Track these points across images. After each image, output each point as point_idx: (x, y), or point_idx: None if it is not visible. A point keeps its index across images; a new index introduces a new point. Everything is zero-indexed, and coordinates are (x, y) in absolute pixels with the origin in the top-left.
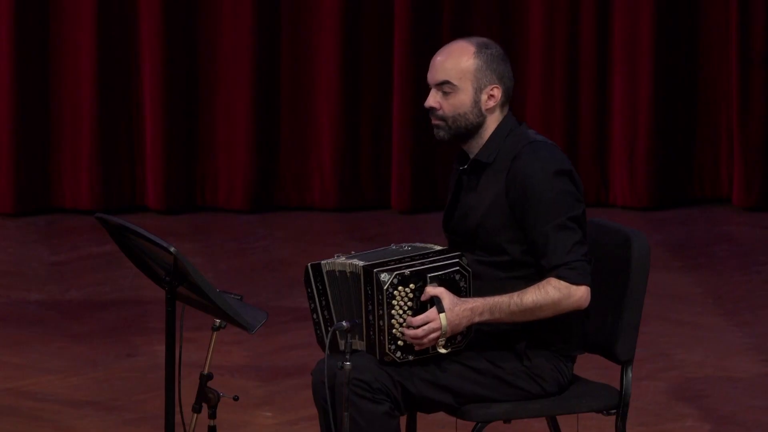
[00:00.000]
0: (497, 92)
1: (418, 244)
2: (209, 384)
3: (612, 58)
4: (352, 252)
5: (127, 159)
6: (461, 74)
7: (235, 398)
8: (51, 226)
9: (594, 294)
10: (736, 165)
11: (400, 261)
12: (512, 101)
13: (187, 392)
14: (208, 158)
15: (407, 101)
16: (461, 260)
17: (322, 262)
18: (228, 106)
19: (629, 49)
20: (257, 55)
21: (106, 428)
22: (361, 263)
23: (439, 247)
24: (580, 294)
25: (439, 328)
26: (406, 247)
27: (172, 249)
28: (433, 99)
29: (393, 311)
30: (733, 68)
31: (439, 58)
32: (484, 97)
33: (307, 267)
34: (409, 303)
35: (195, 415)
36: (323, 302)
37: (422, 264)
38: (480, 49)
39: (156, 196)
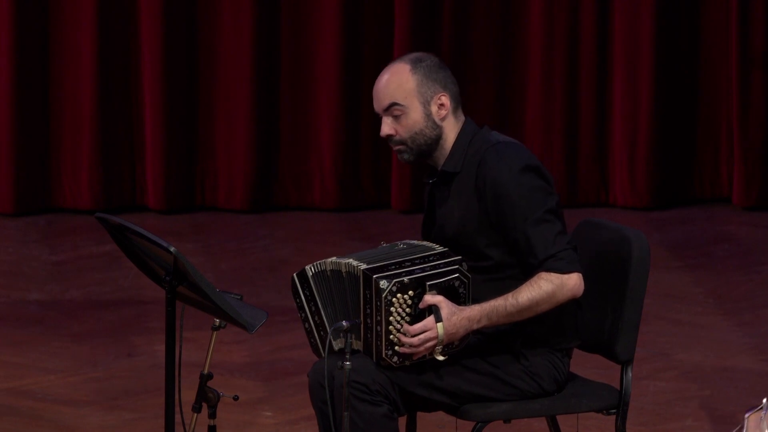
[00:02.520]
0: (445, 99)
1: (413, 242)
2: (209, 384)
3: (612, 58)
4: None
5: (127, 159)
6: (405, 93)
7: (235, 398)
8: (51, 226)
9: (594, 294)
10: (736, 165)
11: (400, 265)
12: (464, 103)
13: (187, 392)
14: (208, 158)
15: None
16: (461, 266)
17: (307, 266)
18: (228, 106)
19: (629, 49)
20: (257, 55)
21: (106, 428)
22: (362, 266)
23: (439, 248)
24: (573, 282)
25: (436, 338)
26: (400, 245)
27: (172, 249)
28: (387, 126)
29: (391, 318)
30: (733, 68)
31: (379, 85)
32: (434, 108)
33: (292, 277)
34: (408, 309)
35: (195, 415)
36: (312, 308)
37: (422, 270)
38: (415, 64)
39: (156, 196)
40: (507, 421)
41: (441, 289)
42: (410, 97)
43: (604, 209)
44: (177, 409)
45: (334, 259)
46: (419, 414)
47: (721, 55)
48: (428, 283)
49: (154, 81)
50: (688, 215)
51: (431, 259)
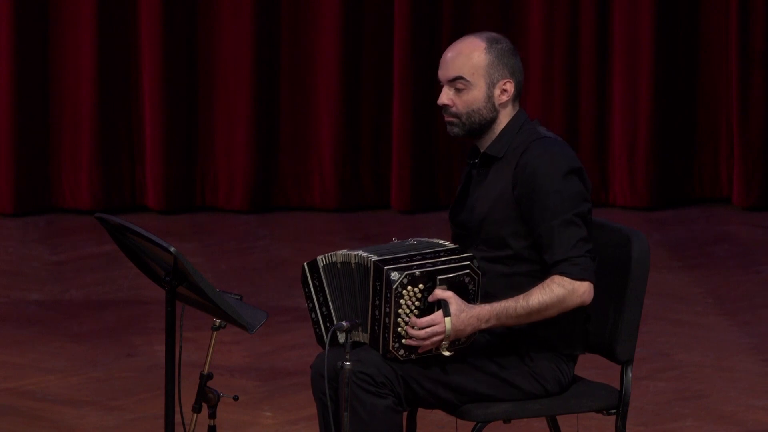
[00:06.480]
0: (510, 87)
1: (423, 239)
2: (209, 384)
3: (612, 58)
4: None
5: (127, 159)
6: (473, 70)
7: (235, 398)
8: (51, 226)
9: (594, 294)
10: (736, 165)
11: (411, 259)
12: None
13: (187, 392)
14: (208, 158)
15: (407, 101)
16: (472, 263)
17: (318, 257)
18: (228, 106)
19: (629, 49)
20: (257, 55)
21: (106, 428)
22: (373, 257)
23: (450, 245)
24: (583, 289)
25: (443, 332)
26: (411, 241)
27: (172, 249)
28: (446, 96)
29: (400, 310)
30: (733, 68)
31: (450, 55)
32: (497, 92)
33: (303, 267)
34: (417, 303)
35: (195, 415)
36: (321, 298)
37: (433, 264)
38: (491, 44)
39: (156, 196)
40: (507, 421)
41: (451, 285)
42: (477, 75)
43: (604, 209)
44: (177, 409)
45: (344, 251)
46: (419, 414)
47: (721, 55)
48: (439, 277)
49: (154, 81)
50: (688, 215)
51: (442, 254)
